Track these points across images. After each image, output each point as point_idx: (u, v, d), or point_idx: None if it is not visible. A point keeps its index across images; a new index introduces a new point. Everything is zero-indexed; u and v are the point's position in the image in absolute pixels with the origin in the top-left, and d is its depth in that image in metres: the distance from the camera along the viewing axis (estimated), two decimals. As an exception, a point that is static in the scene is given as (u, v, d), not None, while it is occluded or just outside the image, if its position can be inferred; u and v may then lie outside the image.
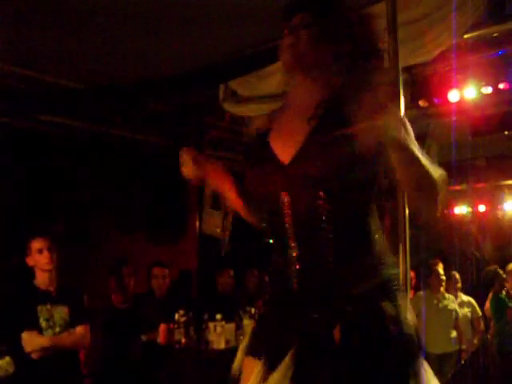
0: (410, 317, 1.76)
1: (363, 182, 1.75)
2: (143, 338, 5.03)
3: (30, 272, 3.99)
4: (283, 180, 1.76)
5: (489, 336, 6.94)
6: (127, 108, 5.73)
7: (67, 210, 5.88)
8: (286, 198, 1.76)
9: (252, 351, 1.86)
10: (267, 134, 1.89)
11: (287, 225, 1.77)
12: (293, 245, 1.77)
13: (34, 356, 3.78)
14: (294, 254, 1.76)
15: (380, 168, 1.75)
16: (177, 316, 5.07)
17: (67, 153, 5.86)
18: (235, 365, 1.92)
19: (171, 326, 5.04)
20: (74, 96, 5.29)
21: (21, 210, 5.51)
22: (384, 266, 1.77)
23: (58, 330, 3.88)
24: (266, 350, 1.79)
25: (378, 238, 1.79)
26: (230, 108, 5.21)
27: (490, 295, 7.01)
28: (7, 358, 3.82)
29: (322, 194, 1.71)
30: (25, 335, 3.78)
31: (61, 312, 3.92)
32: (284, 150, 1.79)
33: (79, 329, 3.98)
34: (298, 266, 1.75)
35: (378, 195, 1.82)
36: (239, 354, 1.93)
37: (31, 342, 3.79)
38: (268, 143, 1.85)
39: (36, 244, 3.95)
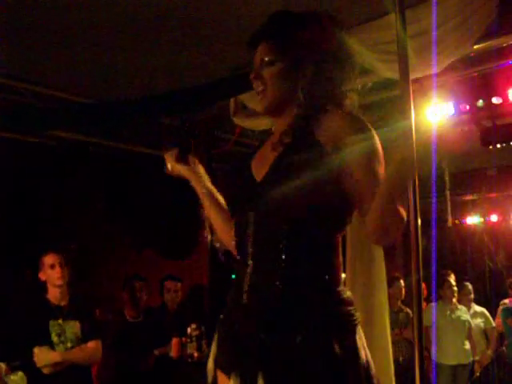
0: (363, 355, 1.75)
1: (327, 213, 1.75)
2: (156, 351, 5.03)
3: (43, 287, 4.00)
4: (253, 198, 1.82)
5: (504, 348, 6.88)
6: (138, 123, 5.76)
7: (80, 224, 5.91)
8: (251, 216, 1.81)
9: (218, 364, 1.94)
10: (252, 158, 1.99)
11: (248, 242, 1.81)
12: (249, 262, 1.80)
13: (45, 371, 3.77)
14: (249, 271, 1.79)
15: (344, 199, 1.75)
16: (189, 330, 5.06)
17: (80, 168, 5.90)
18: (208, 377, 1.98)
19: (184, 339, 5.03)
20: (86, 111, 5.33)
21: (34, 226, 5.54)
22: (339, 302, 1.76)
23: (69, 345, 3.88)
24: (228, 365, 1.84)
25: (334, 273, 1.78)
26: (241, 122, 5.22)
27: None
28: (20, 373, 3.81)
29: (284, 219, 1.73)
30: (36, 350, 3.77)
31: (72, 327, 3.92)
32: (258, 173, 1.88)
33: (91, 344, 3.97)
34: (249, 283, 1.78)
35: (342, 228, 1.82)
36: (210, 364, 2.00)
37: (43, 357, 3.78)
38: (250, 164, 1.95)
39: (48, 259, 3.96)
